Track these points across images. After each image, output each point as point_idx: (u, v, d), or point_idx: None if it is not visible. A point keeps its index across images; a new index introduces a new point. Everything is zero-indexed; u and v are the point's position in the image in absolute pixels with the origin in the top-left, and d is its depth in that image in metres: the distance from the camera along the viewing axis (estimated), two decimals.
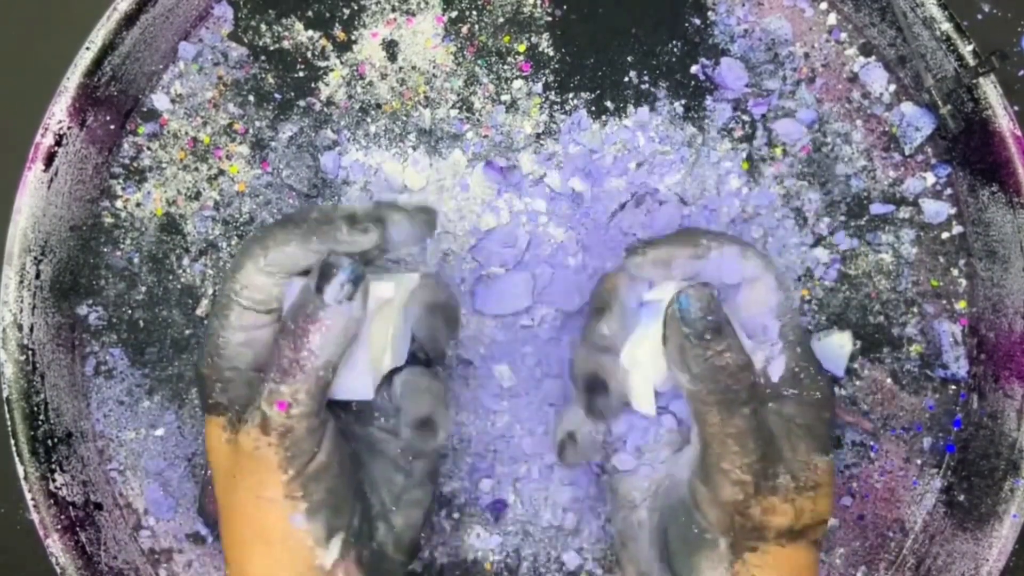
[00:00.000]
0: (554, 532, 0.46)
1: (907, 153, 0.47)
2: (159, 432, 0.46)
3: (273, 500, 0.34)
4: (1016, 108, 0.43)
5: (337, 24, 0.47)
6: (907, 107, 0.46)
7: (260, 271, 0.35)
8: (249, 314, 0.35)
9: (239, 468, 0.34)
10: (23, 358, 0.44)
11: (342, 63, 0.47)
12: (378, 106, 0.46)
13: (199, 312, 0.46)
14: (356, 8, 0.47)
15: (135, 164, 0.47)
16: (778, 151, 0.47)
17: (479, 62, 0.47)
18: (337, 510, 0.35)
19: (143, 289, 0.46)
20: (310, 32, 0.47)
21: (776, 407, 0.36)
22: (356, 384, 0.36)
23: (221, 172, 0.47)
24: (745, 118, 0.46)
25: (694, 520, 0.35)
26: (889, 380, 0.47)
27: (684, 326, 0.34)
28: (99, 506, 0.45)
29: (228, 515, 0.36)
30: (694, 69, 0.46)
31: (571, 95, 0.47)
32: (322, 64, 0.47)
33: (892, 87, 0.47)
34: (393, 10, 0.47)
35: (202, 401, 0.36)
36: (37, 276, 0.44)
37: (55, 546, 0.43)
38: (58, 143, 0.44)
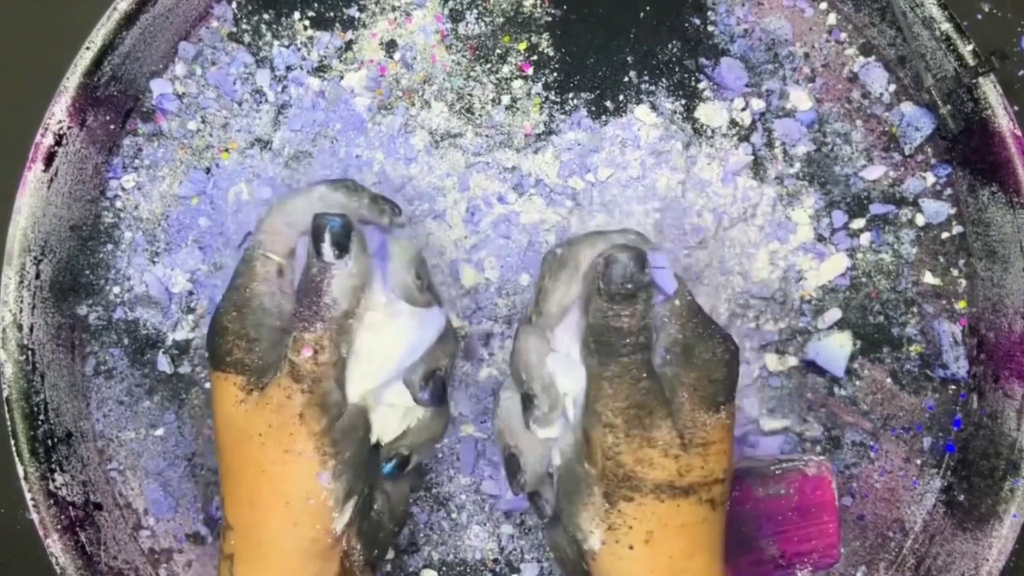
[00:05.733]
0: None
1: (907, 153, 0.47)
2: (159, 432, 0.46)
3: (302, 454, 0.34)
4: (1016, 108, 0.43)
5: (337, 24, 0.47)
6: (907, 107, 0.46)
7: (283, 222, 0.38)
8: (272, 263, 0.37)
9: (263, 425, 0.35)
10: (23, 358, 0.44)
11: (342, 63, 0.47)
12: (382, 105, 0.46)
13: (199, 311, 0.46)
14: (356, 8, 0.47)
15: (135, 164, 0.47)
16: (778, 151, 0.47)
17: (479, 62, 0.47)
18: (358, 474, 0.36)
19: (143, 288, 0.46)
20: (310, 32, 0.47)
21: (671, 370, 0.36)
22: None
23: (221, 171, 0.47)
24: (745, 118, 0.46)
25: (573, 470, 0.36)
26: (889, 380, 0.47)
27: (601, 282, 0.35)
28: (99, 506, 0.45)
29: (243, 477, 0.36)
30: (694, 69, 0.46)
31: (571, 95, 0.47)
32: (322, 64, 0.47)
33: (892, 87, 0.47)
34: (393, 10, 0.47)
35: (217, 358, 0.36)
36: (37, 276, 0.44)
37: (55, 546, 0.43)
38: (58, 143, 0.44)
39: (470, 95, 0.47)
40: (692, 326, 0.36)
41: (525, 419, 0.37)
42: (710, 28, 0.47)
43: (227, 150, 0.47)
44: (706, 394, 0.35)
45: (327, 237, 0.35)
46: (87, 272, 0.47)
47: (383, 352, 0.37)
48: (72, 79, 0.44)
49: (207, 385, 0.46)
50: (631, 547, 0.34)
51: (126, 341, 0.46)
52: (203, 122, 0.47)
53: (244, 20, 0.47)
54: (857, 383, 0.47)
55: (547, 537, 0.40)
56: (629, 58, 0.47)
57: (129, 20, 0.44)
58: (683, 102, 0.46)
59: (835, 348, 0.46)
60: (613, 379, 0.35)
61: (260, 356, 0.36)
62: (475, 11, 0.47)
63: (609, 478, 0.34)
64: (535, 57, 0.47)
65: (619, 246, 0.36)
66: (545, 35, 0.47)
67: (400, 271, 0.38)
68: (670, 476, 0.34)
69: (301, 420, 0.34)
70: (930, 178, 0.47)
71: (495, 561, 0.46)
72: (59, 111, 0.44)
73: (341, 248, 0.35)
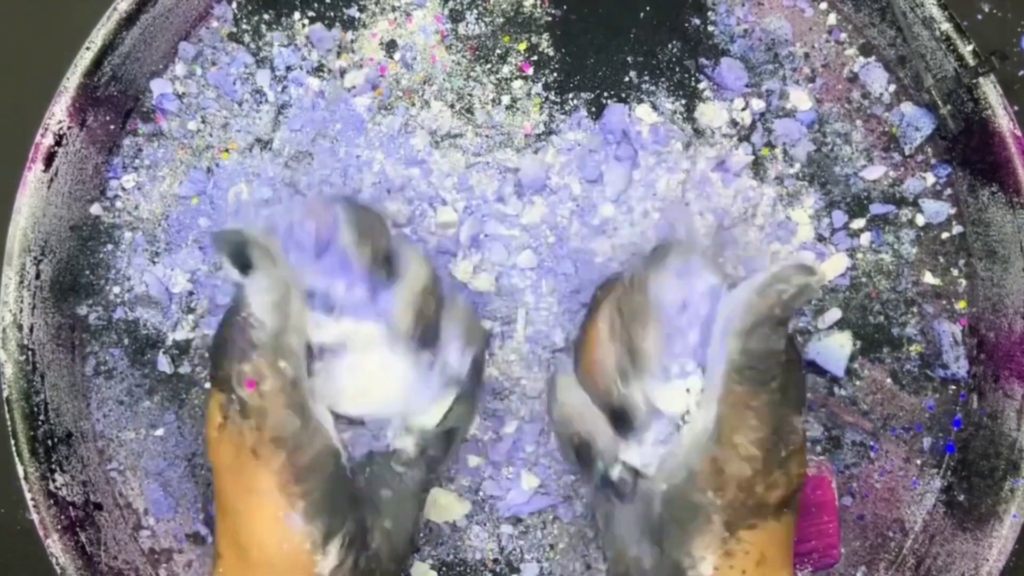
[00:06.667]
0: (556, 530, 0.46)
1: (907, 153, 0.47)
2: (159, 432, 0.46)
3: (265, 494, 0.32)
4: (1016, 108, 0.43)
5: (337, 24, 0.47)
6: (907, 107, 0.46)
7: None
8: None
9: (228, 461, 0.33)
10: (23, 358, 0.44)
11: (342, 63, 0.47)
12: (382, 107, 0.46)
13: (199, 311, 0.46)
14: (356, 8, 0.47)
15: (135, 164, 0.47)
16: (778, 151, 0.47)
17: (479, 62, 0.47)
18: (336, 511, 0.34)
19: (143, 288, 0.46)
20: (310, 32, 0.47)
21: None
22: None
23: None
24: (745, 118, 0.46)
25: (690, 498, 0.34)
26: (889, 380, 0.47)
27: (778, 308, 0.33)
28: (99, 506, 0.45)
29: (224, 506, 0.34)
30: (694, 69, 0.46)
31: (571, 95, 0.47)
32: (322, 64, 0.47)
33: (892, 87, 0.47)
34: (393, 10, 0.47)
35: (218, 368, 0.34)
36: (37, 276, 0.44)
37: (55, 546, 0.43)
38: (58, 143, 0.44)
39: (470, 95, 0.47)
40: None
41: (622, 433, 0.36)
42: (710, 28, 0.47)
43: (227, 150, 0.47)
44: (793, 397, 0.34)
45: (224, 257, 0.33)
46: (87, 272, 0.47)
47: (365, 387, 0.35)
48: (72, 79, 0.44)
49: (207, 385, 0.46)
50: (744, 571, 0.33)
51: (126, 341, 0.46)
52: (203, 122, 0.47)
53: (244, 20, 0.47)
54: (857, 383, 0.47)
55: (606, 522, 0.37)
56: (629, 58, 0.47)
57: (129, 20, 0.44)
58: (683, 102, 0.46)
59: (835, 348, 0.46)
60: (760, 409, 0.33)
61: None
62: (475, 11, 0.47)
63: (736, 507, 0.33)
64: (535, 57, 0.47)
65: (795, 268, 0.33)
66: (545, 35, 0.47)
67: (402, 302, 0.35)
68: (786, 492, 0.33)
69: (256, 458, 0.32)
70: (930, 178, 0.47)
71: (495, 561, 0.46)
72: (59, 111, 0.44)
73: (243, 265, 0.33)
